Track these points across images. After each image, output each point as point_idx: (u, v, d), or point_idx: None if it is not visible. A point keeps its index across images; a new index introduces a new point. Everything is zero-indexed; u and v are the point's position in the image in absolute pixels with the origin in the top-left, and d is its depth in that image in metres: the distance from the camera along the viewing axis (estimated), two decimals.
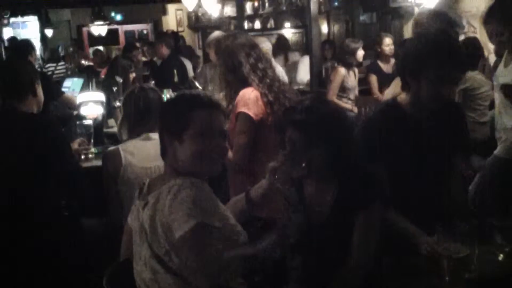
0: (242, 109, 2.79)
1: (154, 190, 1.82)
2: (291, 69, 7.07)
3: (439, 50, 2.14)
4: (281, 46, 7.38)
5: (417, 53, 2.18)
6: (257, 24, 10.59)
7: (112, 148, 3.01)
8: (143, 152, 2.78)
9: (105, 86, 5.02)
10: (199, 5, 7.29)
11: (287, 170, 1.93)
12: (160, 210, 1.73)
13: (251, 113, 2.79)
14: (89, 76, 5.99)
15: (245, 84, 2.86)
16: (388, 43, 6.15)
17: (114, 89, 4.84)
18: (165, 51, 6.99)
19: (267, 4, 10.43)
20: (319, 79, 6.50)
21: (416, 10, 6.77)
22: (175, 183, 1.75)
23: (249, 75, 2.84)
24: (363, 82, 6.27)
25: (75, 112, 4.40)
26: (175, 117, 1.84)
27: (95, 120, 4.05)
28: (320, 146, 1.92)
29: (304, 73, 6.58)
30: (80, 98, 4.28)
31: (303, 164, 1.92)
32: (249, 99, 2.80)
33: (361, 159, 2.06)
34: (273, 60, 5.61)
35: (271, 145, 2.59)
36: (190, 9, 6.74)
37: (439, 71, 2.12)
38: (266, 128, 2.80)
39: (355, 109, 5.70)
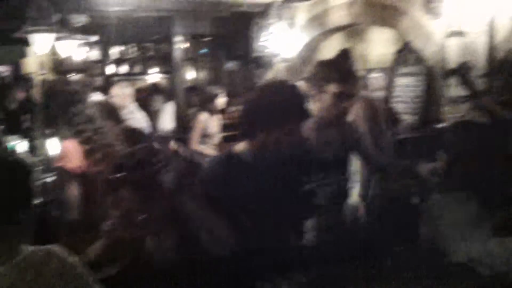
0: (59, 163, 2.70)
1: None
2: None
3: (283, 101, 2.16)
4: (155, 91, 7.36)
5: (261, 104, 2.18)
6: (125, 68, 10.39)
7: None
8: None
9: None
10: (53, 50, 6.93)
11: (122, 232, 1.82)
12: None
13: (68, 167, 2.66)
14: None
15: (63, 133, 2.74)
16: None
17: None
18: (20, 95, 6.64)
19: (135, 49, 10.30)
20: (183, 125, 6.47)
21: (276, 60, 7.08)
22: (39, 250, 1.56)
23: (66, 124, 2.73)
24: (231, 127, 6.30)
25: None
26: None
27: None
28: (154, 203, 1.83)
29: (165, 122, 6.49)
30: None
31: (138, 225, 1.82)
32: (67, 152, 2.70)
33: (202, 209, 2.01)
34: (133, 105, 5.54)
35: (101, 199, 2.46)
36: (41, 53, 6.28)
37: (283, 122, 2.14)
38: (92, 182, 2.61)
39: None
